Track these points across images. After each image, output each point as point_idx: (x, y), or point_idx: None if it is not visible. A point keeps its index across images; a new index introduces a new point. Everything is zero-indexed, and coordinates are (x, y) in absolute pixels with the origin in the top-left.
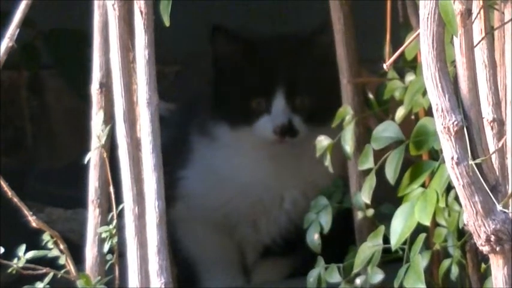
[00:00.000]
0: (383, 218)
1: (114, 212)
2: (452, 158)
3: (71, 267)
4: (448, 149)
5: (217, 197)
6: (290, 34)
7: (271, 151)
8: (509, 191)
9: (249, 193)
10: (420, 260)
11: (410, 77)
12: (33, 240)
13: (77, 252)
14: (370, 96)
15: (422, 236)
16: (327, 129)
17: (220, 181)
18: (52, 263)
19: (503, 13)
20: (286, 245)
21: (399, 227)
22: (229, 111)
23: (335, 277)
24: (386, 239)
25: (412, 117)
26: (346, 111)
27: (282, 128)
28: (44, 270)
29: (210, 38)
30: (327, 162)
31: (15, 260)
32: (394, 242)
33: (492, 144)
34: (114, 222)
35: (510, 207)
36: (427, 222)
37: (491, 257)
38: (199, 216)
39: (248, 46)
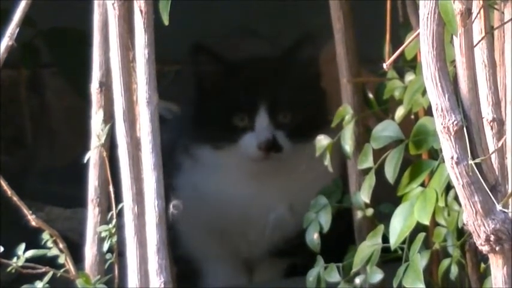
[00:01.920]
0: (382, 217)
1: (114, 211)
2: (452, 158)
3: (70, 266)
4: (448, 148)
5: (202, 215)
6: (271, 51)
7: (256, 168)
8: (509, 191)
9: (235, 212)
10: (419, 260)
11: (410, 77)
12: (33, 239)
13: (76, 251)
14: (370, 95)
15: (421, 236)
16: (310, 144)
17: (206, 201)
18: (51, 262)
19: (503, 13)
20: (280, 252)
21: (398, 226)
22: (212, 131)
23: (334, 276)
24: (385, 238)
25: (412, 116)
26: (346, 111)
27: (267, 143)
28: (44, 269)
29: (191, 56)
30: (327, 161)
31: (15, 259)
32: (394, 241)
33: (492, 144)
34: (114, 221)
35: (510, 207)
36: (426, 222)
37: (491, 256)
38: (191, 224)
39: (229, 64)
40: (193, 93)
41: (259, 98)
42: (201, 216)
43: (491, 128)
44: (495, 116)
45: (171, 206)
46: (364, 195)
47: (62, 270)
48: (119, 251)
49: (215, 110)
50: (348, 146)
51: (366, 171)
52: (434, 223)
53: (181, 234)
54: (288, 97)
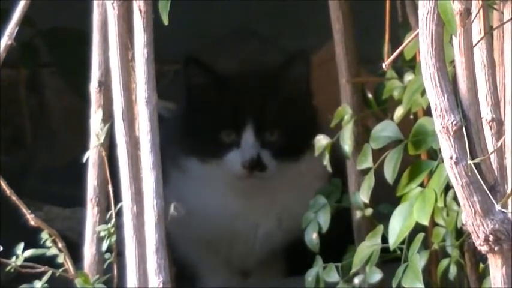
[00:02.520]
0: (381, 217)
1: (113, 211)
2: (451, 158)
3: (69, 265)
4: (447, 148)
5: (191, 227)
6: (262, 67)
7: (241, 185)
8: (508, 191)
9: (222, 225)
10: (418, 260)
11: (409, 77)
12: (32, 238)
13: (75, 251)
14: (369, 95)
15: (420, 236)
16: (297, 164)
17: (192, 213)
18: (50, 261)
19: (502, 13)
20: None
21: (398, 226)
22: (199, 144)
23: (333, 276)
24: (384, 239)
25: (411, 116)
26: (345, 111)
27: (251, 162)
28: (42, 268)
29: (182, 69)
30: (326, 161)
31: (14, 258)
32: (393, 241)
33: (491, 144)
34: (113, 220)
35: (509, 207)
36: (425, 222)
37: (490, 256)
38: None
39: (220, 78)
40: (183, 105)
41: (247, 115)
42: (189, 228)
43: (490, 128)
44: (494, 116)
45: (172, 208)
46: (363, 196)
47: (60, 270)
48: (118, 250)
49: (203, 123)
50: (347, 146)
51: (365, 172)
52: (433, 223)
53: (176, 240)
54: (276, 115)
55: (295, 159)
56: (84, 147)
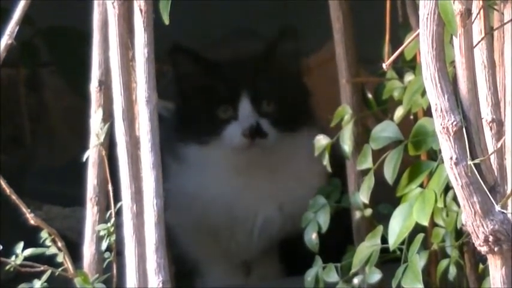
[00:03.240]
0: (381, 218)
1: (113, 210)
2: (451, 158)
3: (68, 265)
4: (447, 149)
5: (191, 217)
6: (250, 47)
7: (242, 161)
8: (508, 192)
9: (222, 211)
10: (418, 260)
11: (409, 77)
12: (31, 237)
13: (74, 250)
14: (369, 96)
15: (420, 236)
16: (297, 135)
17: (193, 202)
18: (50, 260)
19: (502, 13)
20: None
21: (397, 227)
22: (196, 127)
23: (333, 276)
24: (384, 239)
25: (411, 117)
26: (345, 111)
27: (251, 129)
28: (42, 268)
29: (170, 57)
30: (325, 161)
31: (13, 258)
32: (392, 242)
33: (491, 145)
34: (112, 220)
35: (509, 208)
36: (425, 223)
37: (489, 257)
38: (182, 227)
39: (208, 62)
40: (175, 94)
41: (241, 88)
42: (190, 217)
43: (491, 129)
44: (494, 116)
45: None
46: (363, 196)
47: (60, 269)
48: (118, 250)
49: (197, 106)
50: (347, 146)
51: (364, 172)
52: (433, 224)
53: (176, 235)
54: (270, 86)
55: (293, 131)
56: (83, 146)
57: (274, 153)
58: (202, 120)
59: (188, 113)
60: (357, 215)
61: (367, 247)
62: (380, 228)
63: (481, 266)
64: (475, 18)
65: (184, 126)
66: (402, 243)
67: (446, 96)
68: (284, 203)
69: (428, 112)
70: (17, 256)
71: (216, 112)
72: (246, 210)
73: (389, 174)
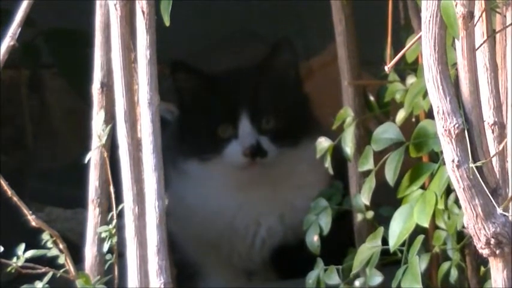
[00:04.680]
0: (383, 220)
1: (114, 212)
2: (453, 161)
3: (70, 266)
4: (449, 151)
5: (192, 228)
6: (248, 62)
7: (243, 178)
8: (510, 194)
9: (224, 225)
10: (417, 262)
11: (411, 80)
12: (32, 239)
13: (76, 252)
14: (371, 98)
15: (420, 238)
16: (297, 147)
17: (194, 215)
18: (51, 262)
19: (505, 16)
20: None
21: (398, 228)
22: (197, 144)
23: (334, 279)
24: (385, 241)
25: (413, 119)
26: (347, 113)
27: (251, 149)
28: (43, 269)
29: (171, 74)
30: (327, 163)
31: (15, 259)
32: (393, 243)
33: (493, 147)
34: (114, 222)
35: (510, 211)
36: (425, 224)
37: (491, 260)
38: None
39: (208, 78)
40: (176, 110)
41: (240, 106)
42: (191, 229)
43: (492, 132)
44: (496, 119)
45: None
46: (364, 197)
47: (61, 271)
48: (119, 251)
49: (198, 123)
50: (349, 148)
51: (366, 174)
52: (434, 226)
53: (177, 241)
54: (269, 102)
55: (294, 145)
56: (85, 148)
57: (274, 167)
58: (202, 138)
59: (188, 129)
60: (359, 217)
61: (368, 249)
62: (381, 229)
63: (482, 268)
64: (477, 21)
65: (184, 141)
66: (403, 245)
67: (448, 99)
68: (285, 213)
69: (430, 114)
70: (18, 257)
71: (216, 131)
72: (247, 223)
73: (390, 176)
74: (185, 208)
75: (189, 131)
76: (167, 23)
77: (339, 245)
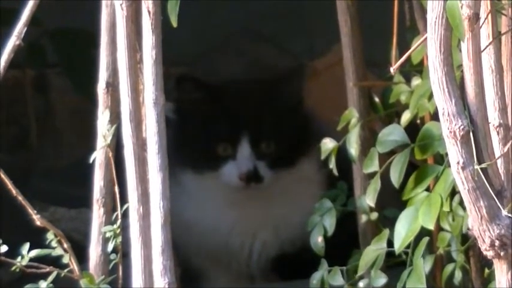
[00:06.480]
0: (388, 222)
1: (119, 212)
2: (458, 163)
3: (74, 266)
4: (454, 153)
5: (188, 239)
6: (256, 79)
7: (237, 196)
8: None
9: (218, 237)
10: (422, 263)
11: (416, 81)
12: (36, 239)
13: (80, 252)
14: (376, 99)
15: (425, 240)
16: (293, 169)
17: (189, 226)
18: (55, 262)
19: (510, 18)
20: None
21: (403, 230)
22: (195, 157)
23: (338, 280)
24: (391, 243)
25: (418, 121)
26: (352, 114)
27: (248, 174)
28: (48, 269)
29: (175, 86)
30: (332, 164)
31: (19, 259)
32: (398, 245)
33: (498, 149)
34: (119, 221)
35: None
36: (430, 226)
37: (495, 261)
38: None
39: (213, 92)
40: (176, 118)
41: (242, 128)
42: (186, 240)
43: (498, 133)
44: (501, 121)
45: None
46: (369, 199)
47: (66, 270)
48: (124, 251)
49: (198, 136)
50: (354, 149)
51: (371, 175)
52: (439, 228)
53: (178, 246)
54: (272, 127)
55: (291, 167)
56: (89, 148)
57: (270, 188)
58: (200, 152)
59: (187, 140)
60: (363, 218)
61: (373, 251)
62: (386, 231)
63: (486, 270)
64: (483, 23)
65: (181, 152)
66: (408, 247)
67: (453, 101)
68: (280, 227)
69: (435, 116)
70: (22, 257)
71: (214, 148)
72: (242, 238)
73: (395, 178)
74: (180, 220)
75: (187, 142)
76: (174, 23)
77: (342, 246)
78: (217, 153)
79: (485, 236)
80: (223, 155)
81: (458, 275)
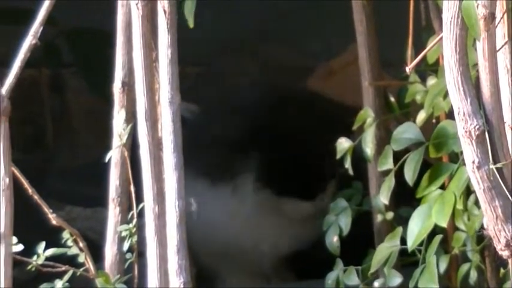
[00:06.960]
0: (403, 221)
1: (134, 211)
2: (473, 162)
3: (90, 265)
4: (469, 153)
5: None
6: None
7: (248, 204)
8: None
9: (227, 243)
10: (434, 261)
11: (431, 81)
12: (52, 238)
13: (96, 251)
14: (392, 99)
15: (438, 238)
16: None
17: (194, 230)
18: (71, 261)
19: None
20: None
21: (416, 228)
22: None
23: (353, 280)
24: (404, 242)
25: (433, 120)
26: (367, 114)
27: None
28: (63, 268)
29: None
30: (347, 164)
31: (35, 257)
32: (411, 243)
33: None
34: (134, 221)
35: None
36: (443, 224)
37: (511, 261)
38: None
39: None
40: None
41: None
42: (199, 239)
43: None
44: None
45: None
46: (383, 197)
47: (81, 269)
48: (139, 250)
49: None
50: (369, 149)
51: (386, 174)
52: (454, 227)
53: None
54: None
55: None
56: (105, 147)
57: None
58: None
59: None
60: (378, 218)
61: (386, 248)
62: (399, 229)
63: (502, 270)
64: (498, 22)
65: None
66: (421, 245)
67: (469, 100)
68: (288, 230)
69: (450, 115)
70: (38, 256)
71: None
72: (253, 237)
73: (409, 176)
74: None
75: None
76: (191, 24)
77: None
78: (233, 167)
79: (500, 236)
80: (240, 167)
81: (473, 275)
